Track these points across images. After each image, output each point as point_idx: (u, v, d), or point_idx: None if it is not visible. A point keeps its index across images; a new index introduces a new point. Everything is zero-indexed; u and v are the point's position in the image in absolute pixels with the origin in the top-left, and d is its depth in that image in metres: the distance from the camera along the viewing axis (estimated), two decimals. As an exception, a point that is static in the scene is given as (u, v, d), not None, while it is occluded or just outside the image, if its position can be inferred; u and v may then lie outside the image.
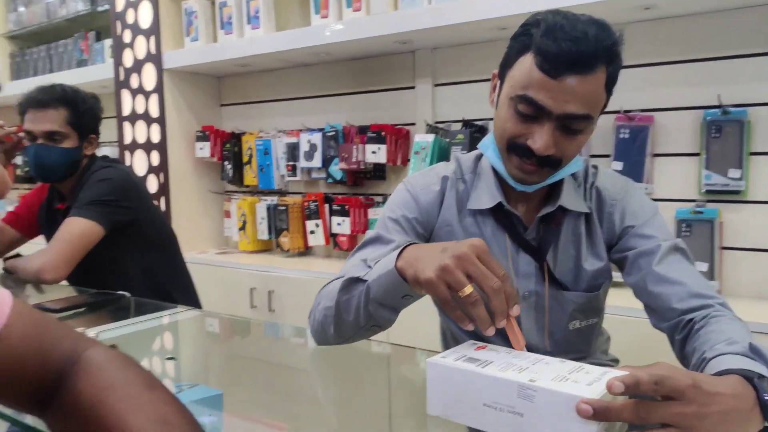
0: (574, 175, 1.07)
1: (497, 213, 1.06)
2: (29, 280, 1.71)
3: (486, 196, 1.06)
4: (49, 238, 1.85)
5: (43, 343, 0.63)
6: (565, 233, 1.06)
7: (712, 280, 1.79)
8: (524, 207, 1.07)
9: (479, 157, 1.12)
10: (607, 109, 1.87)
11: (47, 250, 1.70)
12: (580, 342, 1.11)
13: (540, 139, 0.92)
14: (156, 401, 0.58)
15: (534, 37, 0.91)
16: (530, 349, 0.89)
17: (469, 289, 0.74)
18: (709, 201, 1.86)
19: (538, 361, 0.72)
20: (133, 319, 1.42)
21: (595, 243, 1.06)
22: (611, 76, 0.93)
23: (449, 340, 1.24)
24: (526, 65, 0.92)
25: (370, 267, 0.96)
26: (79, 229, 1.70)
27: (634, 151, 1.89)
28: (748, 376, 0.70)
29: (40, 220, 1.96)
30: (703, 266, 1.78)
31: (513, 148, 0.96)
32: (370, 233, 1.09)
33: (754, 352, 0.77)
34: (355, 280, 0.92)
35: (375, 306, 0.89)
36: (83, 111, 1.80)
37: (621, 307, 1.54)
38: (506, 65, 0.98)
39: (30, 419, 0.75)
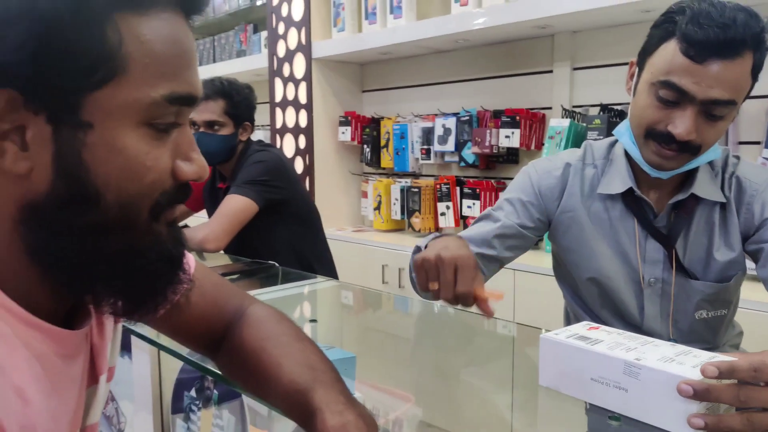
0: (711, 164, 1.06)
1: (627, 198, 1.08)
2: (193, 249, 1.92)
3: (617, 181, 1.08)
4: (211, 212, 2.09)
5: (217, 299, 0.78)
6: (697, 222, 1.05)
7: None
8: (656, 194, 1.07)
9: (613, 143, 1.13)
10: (758, 94, 1.80)
11: (210, 223, 1.89)
12: (707, 332, 1.10)
13: (682, 125, 0.92)
14: (304, 350, 0.70)
15: (679, 23, 0.92)
16: (653, 335, 0.93)
17: (432, 286, 0.83)
18: None
19: (648, 342, 0.75)
20: (280, 286, 1.60)
21: (729, 233, 1.05)
22: (758, 61, 0.92)
23: (572, 322, 1.29)
24: (669, 51, 0.93)
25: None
26: (237, 205, 1.89)
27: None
28: None
29: (204, 196, 2.21)
30: None
31: (652, 135, 0.97)
32: (487, 209, 1.17)
33: None
34: (418, 249, 1.02)
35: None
36: (238, 101, 1.97)
37: (757, 302, 1.48)
38: (646, 52, 0.99)
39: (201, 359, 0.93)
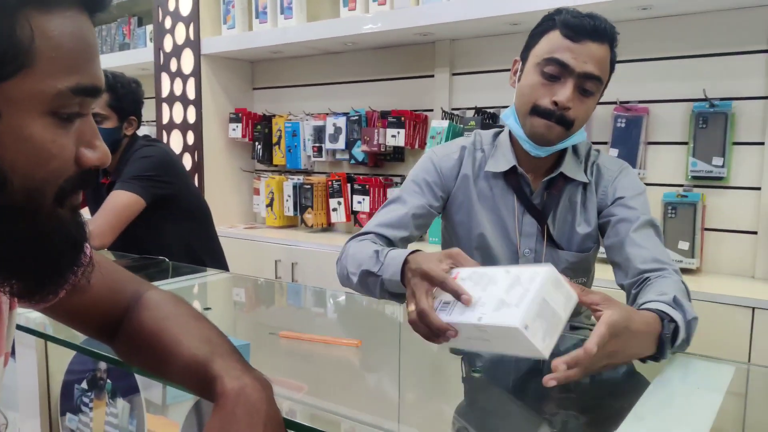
0: (576, 152, 1.26)
1: (509, 177, 1.26)
2: None
3: (502, 161, 1.25)
4: (93, 209, 2.03)
5: (115, 284, 0.82)
6: (564, 200, 1.25)
7: (693, 257, 1.96)
8: (533, 175, 1.26)
9: (497, 133, 1.32)
10: (605, 100, 2.09)
11: (94, 220, 1.84)
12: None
13: (563, 94, 1.13)
14: (201, 327, 0.76)
15: (558, 19, 1.15)
16: None
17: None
18: (695, 186, 2.02)
19: (489, 283, 0.82)
20: (171, 280, 1.59)
21: (588, 210, 1.25)
22: (612, 57, 1.17)
23: None
24: (551, 37, 1.15)
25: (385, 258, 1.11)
26: (123, 201, 1.86)
27: (629, 139, 2.06)
28: (660, 315, 0.89)
29: (86, 193, 2.17)
30: (685, 245, 1.95)
31: (536, 110, 1.16)
32: (394, 193, 1.30)
33: (675, 302, 0.96)
34: (371, 273, 1.09)
35: (389, 295, 1.08)
36: (123, 95, 1.93)
37: (609, 280, 1.72)
38: (529, 47, 1.20)
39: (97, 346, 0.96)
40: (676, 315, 0.93)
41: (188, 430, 1.03)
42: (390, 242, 1.21)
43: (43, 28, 0.50)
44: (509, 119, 1.24)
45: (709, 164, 1.95)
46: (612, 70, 1.19)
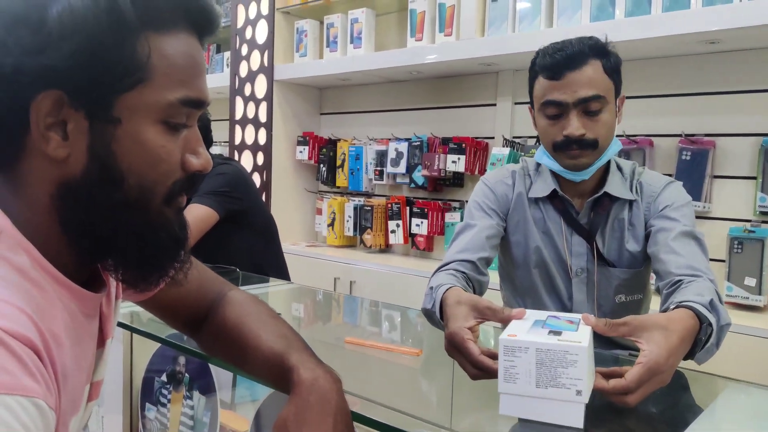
0: (621, 171, 1.30)
1: (554, 200, 1.31)
2: None
3: (543, 186, 1.31)
4: None
5: (203, 282, 0.90)
6: (611, 219, 1.28)
7: (760, 294, 1.91)
8: (578, 198, 1.31)
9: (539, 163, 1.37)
10: (671, 132, 2.08)
11: None
12: (626, 315, 1.29)
13: (569, 126, 1.18)
14: (278, 324, 0.84)
15: (537, 63, 1.22)
16: None
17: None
18: (763, 222, 1.98)
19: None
20: (241, 287, 1.72)
21: (636, 227, 1.27)
22: (608, 65, 1.20)
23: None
24: (539, 83, 1.22)
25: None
26: (198, 215, 1.98)
27: (694, 172, 2.05)
28: (699, 317, 0.90)
29: None
30: (752, 281, 1.91)
31: (557, 146, 1.22)
32: (459, 225, 1.35)
33: (711, 305, 0.97)
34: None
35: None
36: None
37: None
38: (530, 96, 1.28)
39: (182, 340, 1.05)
40: (712, 319, 0.93)
41: (257, 426, 1.10)
42: (474, 265, 1.24)
43: (159, 47, 0.58)
44: (543, 159, 1.30)
45: (778, 199, 1.92)
46: (616, 75, 1.22)
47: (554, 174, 1.31)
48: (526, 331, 0.80)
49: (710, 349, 0.96)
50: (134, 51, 0.57)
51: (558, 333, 0.79)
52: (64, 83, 0.55)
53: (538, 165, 1.36)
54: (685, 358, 0.91)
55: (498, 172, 1.40)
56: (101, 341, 0.73)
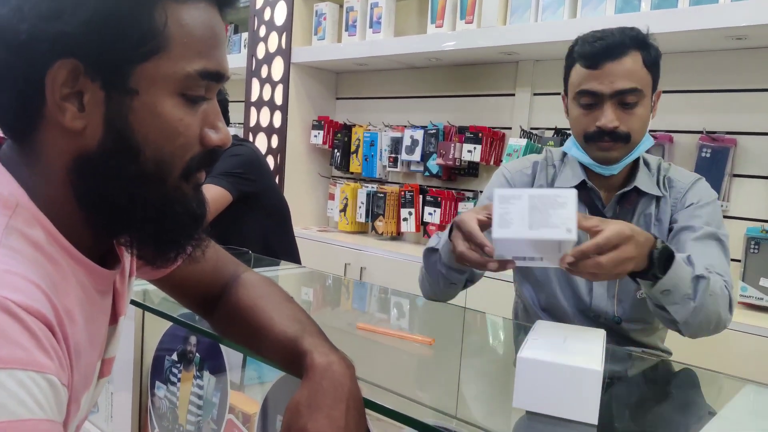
0: (648, 166, 1.28)
1: (580, 192, 1.28)
2: None
3: (571, 177, 1.29)
4: None
5: (217, 263, 0.90)
6: (638, 213, 1.27)
7: (776, 296, 1.89)
8: (605, 191, 1.29)
9: (565, 153, 1.35)
10: (691, 129, 2.05)
11: None
12: (646, 311, 1.25)
13: (603, 117, 1.17)
14: (292, 308, 0.83)
15: (575, 50, 1.20)
16: (600, 312, 1.13)
17: (458, 248, 0.99)
18: (782, 223, 1.95)
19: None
20: (255, 269, 1.73)
21: (662, 223, 1.26)
22: (648, 58, 1.18)
23: (520, 314, 1.47)
24: (575, 72, 1.20)
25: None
26: (212, 195, 1.97)
27: (713, 170, 2.02)
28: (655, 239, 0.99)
29: None
30: (767, 282, 1.88)
31: (588, 137, 1.21)
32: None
33: (688, 259, 1.06)
34: (432, 249, 1.19)
35: (446, 268, 1.14)
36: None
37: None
38: (565, 83, 1.25)
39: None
40: (679, 257, 1.01)
41: (266, 409, 1.10)
42: None
43: (177, 17, 0.57)
44: (572, 150, 1.28)
45: (798, 201, 1.88)
46: (655, 69, 1.20)
47: (582, 165, 1.29)
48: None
49: (684, 300, 1.03)
50: (151, 19, 0.56)
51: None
52: (80, 51, 0.54)
53: (564, 155, 1.34)
54: (644, 276, 1.00)
55: (518, 162, 1.39)
56: (114, 318, 0.73)
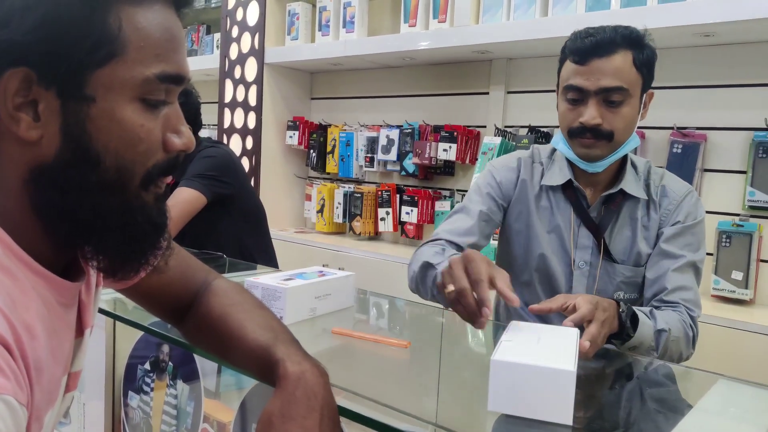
0: (636, 169, 1.29)
1: (566, 190, 1.30)
2: None
3: (558, 175, 1.30)
4: None
5: (187, 270, 0.88)
6: (623, 216, 1.27)
7: (746, 288, 1.92)
8: (591, 190, 1.29)
9: (554, 149, 1.35)
10: (662, 125, 2.07)
11: None
12: None
13: (587, 113, 1.17)
14: (264, 315, 0.81)
15: (567, 45, 1.20)
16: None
17: (448, 288, 0.93)
18: (751, 216, 1.98)
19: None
20: (227, 275, 1.70)
21: (649, 229, 1.27)
22: (639, 57, 1.17)
23: (501, 310, 1.47)
24: (566, 67, 1.21)
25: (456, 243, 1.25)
26: (186, 198, 1.95)
27: (685, 165, 2.04)
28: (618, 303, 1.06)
29: None
30: (739, 275, 1.91)
31: (572, 132, 1.22)
32: (457, 206, 1.35)
33: (651, 314, 1.12)
34: (430, 265, 1.17)
35: (437, 292, 1.13)
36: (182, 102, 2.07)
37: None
38: (558, 77, 1.25)
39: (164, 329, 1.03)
40: (642, 316, 1.07)
41: (242, 416, 1.09)
42: (460, 248, 1.26)
43: (132, 20, 0.56)
44: (559, 144, 1.29)
45: (767, 194, 1.91)
46: (646, 69, 1.19)
47: (570, 163, 1.29)
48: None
49: (649, 351, 1.09)
50: (105, 23, 0.54)
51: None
52: (31, 60, 0.53)
53: (552, 152, 1.35)
54: (620, 338, 1.07)
55: (504, 158, 1.40)
56: (80, 331, 0.71)
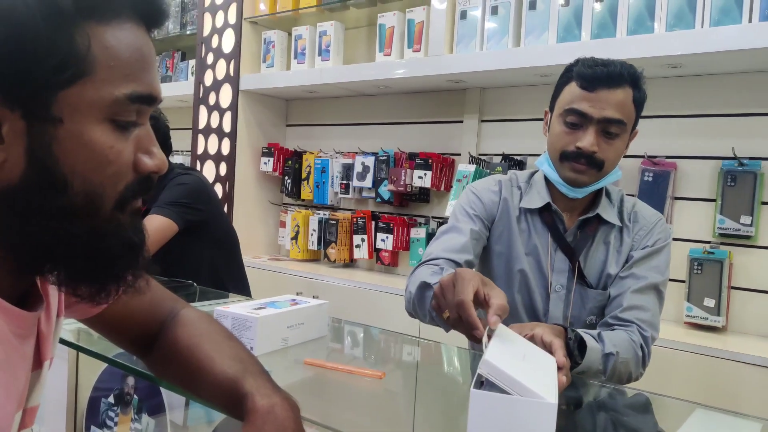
0: (609, 197, 1.32)
1: (543, 214, 1.31)
2: None
3: (536, 198, 1.31)
4: None
5: (152, 300, 0.85)
6: (597, 240, 1.29)
7: (718, 315, 1.94)
8: (567, 215, 1.31)
9: (532, 173, 1.37)
10: (633, 153, 2.10)
11: None
12: None
13: (586, 140, 1.19)
14: (233, 346, 0.79)
15: (574, 70, 1.21)
16: None
17: (445, 314, 0.93)
18: (722, 243, 2.02)
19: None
20: (198, 303, 1.66)
21: (621, 254, 1.29)
22: (637, 96, 1.21)
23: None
24: (570, 89, 1.21)
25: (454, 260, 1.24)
26: (157, 226, 1.92)
27: (656, 193, 2.08)
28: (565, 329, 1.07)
29: None
30: (711, 302, 1.94)
31: (565, 156, 1.23)
32: (444, 227, 1.34)
33: (599, 336, 1.13)
34: (428, 285, 1.14)
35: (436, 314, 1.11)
36: (154, 126, 2.04)
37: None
38: (554, 98, 1.27)
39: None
40: (590, 340, 1.08)
41: (209, 450, 1.04)
42: (459, 266, 1.24)
43: (101, 39, 0.54)
44: (543, 165, 1.30)
45: (737, 222, 1.95)
46: (639, 108, 1.23)
47: (549, 187, 1.31)
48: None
49: (596, 374, 1.10)
50: (72, 42, 0.52)
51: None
52: None
53: (530, 177, 1.36)
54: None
55: (484, 181, 1.40)
56: (38, 363, 0.68)
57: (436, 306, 0.97)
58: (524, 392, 0.72)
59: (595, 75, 1.18)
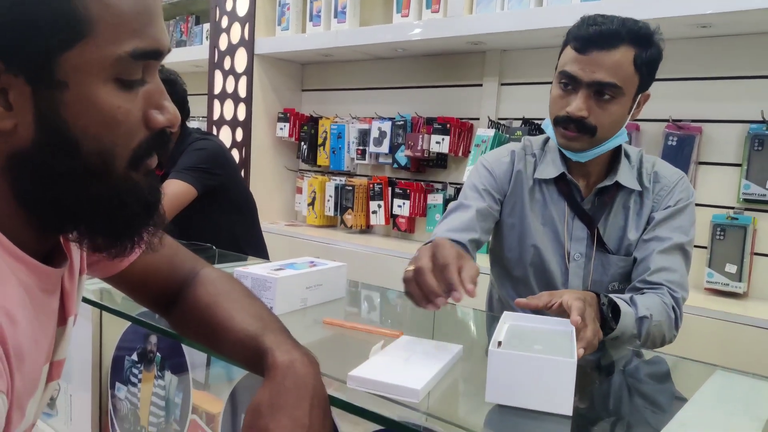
0: (629, 158, 1.27)
1: (559, 183, 1.27)
2: None
3: (551, 168, 1.27)
4: None
5: (174, 259, 0.86)
6: (616, 206, 1.25)
7: (740, 281, 1.91)
8: (584, 182, 1.27)
9: (547, 139, 1.33)
10: (657, 117, 2.05)
11: None
12: None
13: (574, 104, 1.14)
14: (253, 304, 0.79)
15: (570, 32, 1.16)
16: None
17: (408, 267, 0.92)
18: (746, 209, 1.98)
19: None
20: (217, 265, 1.67)
21: (641, 217, 1.25)
22: (641, 56, 1.13)
23: (495, 305, 1.45)
24: (566, 52, 1.17)
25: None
26: (176, 190, 1.93)
27: (680, 158, 2.03)
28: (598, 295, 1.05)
29: None
30: (732, 268, 1.91)
31: (558, 120, 1.19)
32: (453, 204, 1.32)
33: (631, 300, 1.11)
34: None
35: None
36: (170, 91, 2.03)
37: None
38: (558, 61, 1.21)
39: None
40: (623, 305, 1.06)
41: (232, 407, 1.06)
42: (463, 247, 1.22)
43: None
44: (548, 128, 1.26)
45: (762, 187, 1.91)
46: (648, 69, 1.15)
47: (562, 156, 1.27)
48: None
49: (630, 339, 1.09)
50: (68, 1, 0.51)
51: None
52: None
53: (545, 143, 1.32)
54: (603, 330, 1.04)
55: (496, 152, 1.37)
56: (63, 319, 0.69)
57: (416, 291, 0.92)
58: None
59: (586, 35, 1.11)
